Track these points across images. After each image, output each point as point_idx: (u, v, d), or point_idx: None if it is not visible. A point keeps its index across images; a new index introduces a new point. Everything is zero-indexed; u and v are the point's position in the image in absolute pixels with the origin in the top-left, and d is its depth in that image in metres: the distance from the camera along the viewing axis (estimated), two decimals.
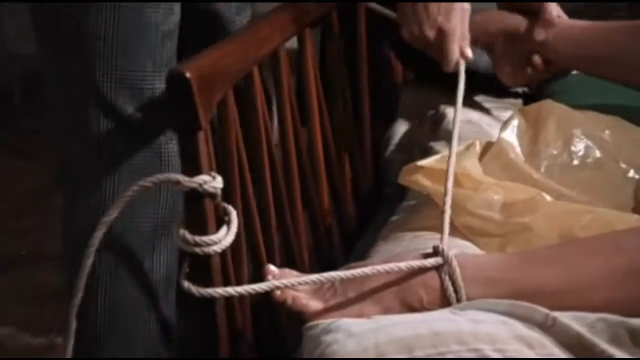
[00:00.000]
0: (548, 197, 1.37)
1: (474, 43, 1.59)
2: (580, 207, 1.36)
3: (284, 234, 1.43)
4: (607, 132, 1.52)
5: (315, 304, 1.15)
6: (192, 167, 1.06)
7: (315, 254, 1.58)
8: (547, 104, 1.56)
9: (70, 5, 1.27)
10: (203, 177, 1.06)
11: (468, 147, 1.53)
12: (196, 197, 1.07)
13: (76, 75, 1.30)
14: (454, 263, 1.16)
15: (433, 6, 1.49)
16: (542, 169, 1.49)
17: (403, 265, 1.17)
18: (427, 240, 1.36)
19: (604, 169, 1.49)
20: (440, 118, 1.75)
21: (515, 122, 1.55)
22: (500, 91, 1.82)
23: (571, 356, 1.04)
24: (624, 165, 1.49)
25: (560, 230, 1.32)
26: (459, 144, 1.50)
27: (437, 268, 1.16)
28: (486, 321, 1.07)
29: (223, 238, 1.09)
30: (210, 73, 1.11)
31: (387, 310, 1.15)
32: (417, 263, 1.17)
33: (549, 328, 1.06)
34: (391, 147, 1.85)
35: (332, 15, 1.67)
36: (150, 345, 1.31)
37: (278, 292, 1.14)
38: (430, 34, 1.52)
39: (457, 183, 1.40)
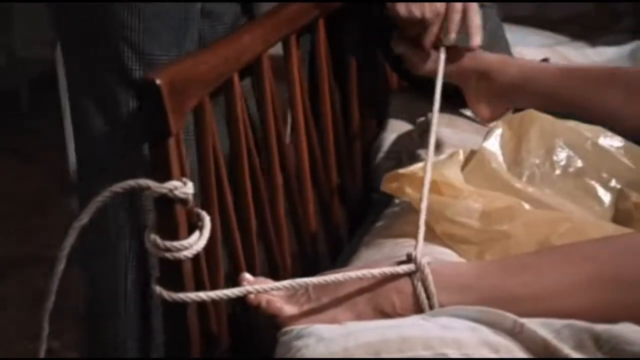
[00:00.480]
0: (527, 206, 1.38)
1: (447, 77, 1.61)
2: (558, 215, 1.37)
3: (265, 240, 1.43)
4: (589, 142, 1.52)
5: (289, 309, 1.16)
6: (162, 173, 1.06)
7: (300, 260, 1.58)
8: (530, 114, 1.56)
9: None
10: (173, 183, 1.06)
11: (451, 156, 1.53)
12: (167, 202, 1.07)
13: (103, 63, 1.36)
14: (427, 270, 1.17)
15: None
16: (524, 178, 1.50)
17: (375, 272, 1.18)
18: (407, 247, 1.35)
19: (585, 179, 1.49)
20: (428, 125, 1.75)
21: (498, 132, 1.55)
22: None
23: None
24: (605, 175, 1.49)
25: (538, 238, 1.32)
26: (443, 152, 1.52)
27: (410, 275, 1.17)
28: (455, 327, 1.08)
29: (194, 243, 1.10)
30: (183, 80, 1.11)
31: (360, 316, 1.16)
32: (389, 270, 1.18)
33: (517, 334, 1.07)
34: (381, 154, 1.85)
35: (319, 22, 1.67)
36: None
37: (252, 296, 1.14)
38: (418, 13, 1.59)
39: (437, 191, 1.41)
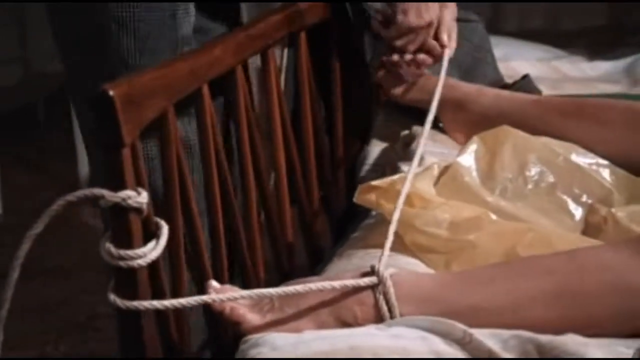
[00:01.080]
0: (494, 216, 1.39)
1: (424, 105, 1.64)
2: (523, 226, 1.37)
3: (236, 250, 1.44)
4: (561, 157, 1.53)
5: (252, 317, 1.16)
6: (116, 182, 1.07)
7: (276, 271, 1.59)
8: (504, 130, 1.57)
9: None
10: (127, 192, 1.07)
11: (426, 169, 1.54)
12: (120, 211, 1.08)
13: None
14: (389, 283, 1.17)
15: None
16: (497, 192, 1.51)
17: (336, 284, 1.18)
18: (375, 257, 1.35)
19: (557, 193, 1.50)
20: (410, 139, 1.76)
21: (473, 147, 1.56)
22: None
23: None
24: (576, 190, 1.50)
25: (504, 248, 1.33)
26: (423, 166, 1.53)
27: (372, 287, 1.17)
28: (406, 336, 1.08)
29: (149, 252, 1.10)
30: (142, 91, 1.12)
31: (322, 326, 1.16)
32: (351, 282, 1.18)
33: (466, 344, 1.07)
34: (366, 167, 1.85)
35: (300, 35, 1.68)
36: None
37: (217, 303, 1.15)
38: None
39: (408, 203, 1.42)
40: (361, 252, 1.45)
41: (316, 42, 1.80)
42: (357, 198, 1.47)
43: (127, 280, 1.10)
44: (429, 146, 1.73)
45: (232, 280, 1.48)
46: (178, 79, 1.25)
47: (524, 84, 1.87)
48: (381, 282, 1.16)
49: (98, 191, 1.07)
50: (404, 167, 1.69)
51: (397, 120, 1.85)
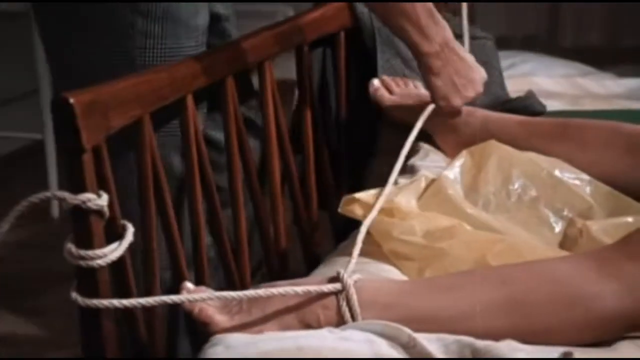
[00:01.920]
0: (467, 227, 1.40)
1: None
2: (494, 236, 1.40)
3: (221, 254, 1.48)
4: (545, 172, 1.54)
5: (220, 318, 1.20)
6: (76, 185, 1.11)
7: (268, 275, 1.62)
8: (491, 145, 1.59)
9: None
10: (86, 195, 1.11)
11: (413, 182, 1.57)
12: (81, 213, 1.12)
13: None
14: (351, 290, 1.20)
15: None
16: (480, 205, 1.53)
17: (299, 289, 1.21)
18: (355, 264, 1.40)
19: (539, 207, 1.52)
20: (412, 154, 1.78)
21: (461, 161, 1.59)
22: None
23: None
24: (558, 204, 1.51)
25: (474, 257, 1.35)
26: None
27: (336, 293, 1.19)
28: (353, 339, 1.11)
29: (109, 253, 1.14)
30: (108, 99, 1.16)
31: (286, 328, 1.19)
32: (314, 288, 1.21)
33: (410, 348, 1.10)
34: (372, 178, 1.88)
35: (304, 49, 1.72)
36: None
37: (187, 303, 1.19)
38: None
39: (389, 214, 1.45)
40: (343, 259, 1.47)
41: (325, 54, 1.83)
42: (342, 209, 1.50)
43: (88, 279, 1.14)
44: (427, 160, 1.75)
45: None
46: (155, 89, 1.29)
47: (524, 99, 1.89)
48: (344, 288, 1.19)
49: (60, 193, 1.11)
50: (401, 180, 1.71)
51: (403, 134, 1.86)
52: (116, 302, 1.14)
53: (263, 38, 1.59)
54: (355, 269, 1.39)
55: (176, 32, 1.49)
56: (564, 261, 1.23)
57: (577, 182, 1.53)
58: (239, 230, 1.51)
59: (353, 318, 1.19)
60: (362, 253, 1.44)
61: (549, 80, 2.34)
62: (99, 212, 1.13)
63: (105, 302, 1.14)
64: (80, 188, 1.11)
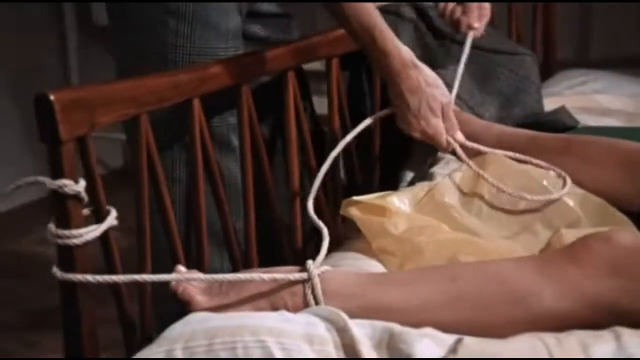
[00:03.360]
0: (445, 227, 1.46)
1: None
2: (468, 237, 1.46)
3: (228, 245, 1.58)
4: (538, 184, 1.57)
5: (200, 299, 1.31)
6: (55, 172, 1.23)
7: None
8: (491, 157, 1.65)
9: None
10: (63, 181, 1.23)
11: (414, 187, 1.64)
12: (60, 197, 1.24)
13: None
14: (316, 280, 1.29)
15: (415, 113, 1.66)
16: (473, 213, 1.57)
17: (266, 276, 1.31)
18: (348, 259, 1.50)
19: (528, 217, 1.56)
20: (434, 162, 1.84)
21: (463, 170, 1.63)
22: None
23: (342, 352, 1.16)
24: (548, 215, 1.55)
25: (447, 255, 1.44)
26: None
27: (303, 281, 1.28)
28: (295, 321, 1.21)
29: (85, 233, 1.26)
30: (95, 98, 1.29)
31: (258, 311, 1.28)
32: (281, 276, 1.30)
33: (342, 332, 1.18)
34: (403, 185, 1.94)
35: (332, 62, 1.80)
36: None
37: (174, 282, 1.30)
38: (418, 135, 1.70)
39: (381, 214, 1.51)
40: (340, 255, 1.56)
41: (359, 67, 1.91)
42: (342, 210, 1.58)
43: (66, 256, 1.26)
44: (447, 169, 1.80)
45: None
46: (154, 92, 1.40)
47: (555, 113, 1.92)
48: (310, 277, 1.28)
49: (41, 179, 1.24)
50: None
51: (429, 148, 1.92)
52: (90, 278, 1.26)
53: (286, 50, 1.68)
54: (343, 264, 1.50)
55: (205, 34, 1.61)
56: (511, 262, 1.29)
57: (568, 194, 1.56)
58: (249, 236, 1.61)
59: (317, 305, 1.27)
60: (357, 250, 1.55)
61: (612, 98, 2.35)
62: (75, 197, 1.25)
63: (79, 277, 1.26)
64: (58, 174, 1.23)
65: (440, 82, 1.68)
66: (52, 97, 1.22)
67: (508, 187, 1.57)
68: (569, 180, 1.58)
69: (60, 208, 1.25)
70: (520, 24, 2.57)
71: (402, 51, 1.63)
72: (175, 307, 1.28)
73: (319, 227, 1.41)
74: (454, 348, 1.12)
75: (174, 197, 1.60)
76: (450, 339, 1.15)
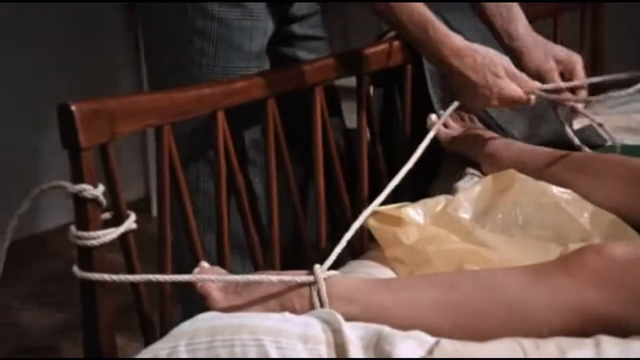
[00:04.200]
0: (454, 237, 1.50)
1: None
2: (473, 248, 1.52)
3: (252, 252, 1.65)
4: (553, 202, 1.63)
5: (217, 295, 1.38)
6: (76, 177, 1.31)
7: None
8: (509, 173, 1.69)
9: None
10: (82, 186, 1.31)
11: (433, 200, 1.68)
12: (80, 200, 1.31)
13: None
14: (322, 283, 1.35)
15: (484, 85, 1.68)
16: (487, 227, 1.61)
17: (274, 279, 1.36)
18: (363, 267, 1.57)
19: (541, 233, 1.60)
20: (461, 177, 1.87)
21: (482, 185, 1.69)
22: None
23: (333, 351, 1.20)
24: (561, 231, 1.60)
25: (454, 265, 1.49)
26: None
27: (309, 285, 1.33)
28: (294, 322, 1.26)
29: (103, 236, 1.33)
30: (116, 109, 1.36)
31: (268, 311, 1.35)
32: (288, 279, 1.36)
33: (336, 332, 1.23)
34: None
35: (363, 78, 1.86)
36: None
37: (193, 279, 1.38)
38: (496, 103, 1.71)
39: (396, 224, 1.56)
40: (357, 262, 1.62)
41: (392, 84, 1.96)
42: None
43: (85, 256, 1.33)
44: (470, 184, 1.84)
45: None
46: (177, 104, 1.47)
47: (582, 131, 1.95)
48: (316, 281, 1.33)
49: (63, 183, 1.31)
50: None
51: (458, 162, 1.96)
52: (107, 277, 1.33)
53: (313, 66, 1.74)
54: (358, 271, 1.55)
55: (228, 54, 1.69)
56: (507, 271, 1.33)
57: (579, 211, 1.59)
58: (272, 234, 1.67)
59: (322, 307, 1.32)
60: (373, 258, 1.61)
61: None
62: (94, 201, 1.32)
63: (97, 276, 1.33)
64: (78, 180, 1.31)
65: (490, 49, 1.71)
66: (73, 108, 1.30)
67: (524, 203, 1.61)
68: None
69: (80, 211, 1.33)
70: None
71: (453, 37, 1.67)
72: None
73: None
74: (431, 349, 1.15)
75: (199, 208, 1.67)
76: (433, 341, 1.19)
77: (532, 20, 2.33)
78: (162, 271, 1.48)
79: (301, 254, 1.78)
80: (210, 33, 1.69)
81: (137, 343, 1.53)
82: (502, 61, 1.70)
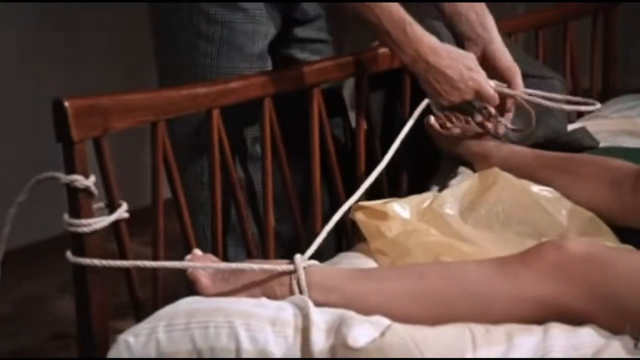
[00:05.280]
0: (435, 232, 1.55)
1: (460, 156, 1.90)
2: (450, 241, 1.56)
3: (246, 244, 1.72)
4: (533, 199, 1.68)
5: (205, 281, 1.45)
6: (68, 168, 1.38)
7: None
8: (494, 172, 1.73)
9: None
10: (74, 177, 1.38)
11: (419, 196, 1.72)
12: (72, 190, 1.39)
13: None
14: (301, 272, 1.42)
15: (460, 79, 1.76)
16: (471, 223, 1.67)
17: (256, 267, 1.43)
18: (350, 258, 1.65)
19: (521, 228, 1.65)
20: (455, 175, 1.92)
21: (468, 182, 1.73)
22: None
23: (299, 335, 1.28)
24: (539, 228, 1.65)
25: (431, 257, 1.55)
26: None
27: (290, 273, 1.40)
28: (268, 306, 1.35)
29: (94, 223, 1.40)
30: (110, 106, 1.44)
31: (251, 297, 1.42)
32: (269, 267, 1.43)
33: (306, 317, 1.30)
34: None
35: (363, 80, 1.91)
36: None
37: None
38: (470, 96, 1.80)
39: (382, 218, 1.62)
40: (346, 254, 1.71)
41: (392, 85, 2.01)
42: (351, 214, 1.68)
43: (77, 243, 1.41)
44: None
45: None
46: (172, 102, 1.54)
47: (575, 133, 1.99)
48: (296, 270, 1.40)
49: (57, 174, 1.39)
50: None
51: (456, 158, 2.00)
52: (97, 262, 1.40)
53: (310, 68, 1.80)
54: (344, 262, 1.62)
55: (230, 56, 1.76)
56: (474, 263, 1.40)
57: (558, 209, 1.64)
58: (267, 226, 1.73)
59: (302, 294, 1.39)
60: (360, 250, 1.68)
61: None
62: (86, 190, 1.39)
63: (87, 261, 1.40)
64: (70, 170, 1.38)
65: (458, 48, 1.80)
66: (66, 104, 1.37)
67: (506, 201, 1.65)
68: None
69: (73, 200, 1.40)
70: (577, 53, 2.60)
71: (428, 36, 1.75)
72: None
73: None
74: (383, 332, 1.21)
75: (203, 200, 1.74)
76: (381, 323, 1.25)
77: (538, 27, 2.39)
78: (155, 258, 1.56)
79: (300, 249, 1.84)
80: (214, 36, 1.76)
81: None
82: (472, 57, 1.80)
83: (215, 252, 1.66)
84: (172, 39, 1.80)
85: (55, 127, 1.39)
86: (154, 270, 1.55)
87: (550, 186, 1.72)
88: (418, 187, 2.01)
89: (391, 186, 2.03)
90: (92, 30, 3.60)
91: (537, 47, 2.49)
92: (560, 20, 2.56)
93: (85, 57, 3.56)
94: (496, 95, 1.82)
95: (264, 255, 1.77)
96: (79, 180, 1.39)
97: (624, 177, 1.66)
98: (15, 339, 2.85)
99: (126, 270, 1.50)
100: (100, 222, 1.42)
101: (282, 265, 1.43)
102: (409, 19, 1.72)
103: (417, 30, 1.73)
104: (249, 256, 1.75)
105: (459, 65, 1.75)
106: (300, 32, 1.94)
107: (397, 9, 1.72)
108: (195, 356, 1.28)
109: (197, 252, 1.52)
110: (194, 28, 1.76)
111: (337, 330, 1.25)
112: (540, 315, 1.29)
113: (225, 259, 1.71)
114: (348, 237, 1.92)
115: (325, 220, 1.62)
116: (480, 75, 1.79)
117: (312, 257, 1.45)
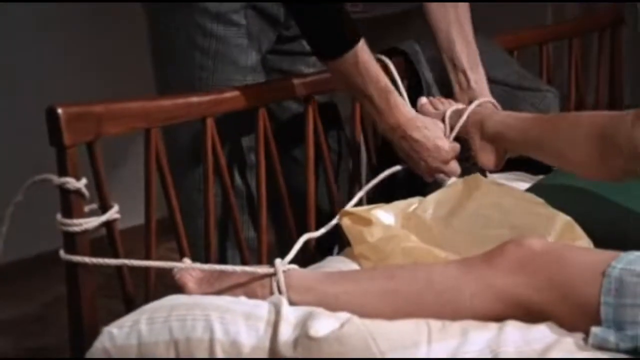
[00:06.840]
0: (414, 238, 1.59)
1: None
2: (426, 247, 1.61)
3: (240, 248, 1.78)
4: (513, 203, 1.71)
5: (192, 285, 1.52)
6: (61, 171, 1.45)
7: None
8: (476, 178, 1.76)
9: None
10: (66, 179, 1.46)
11: (404, 202, 1.77)
12: (65, 192, 1.46)
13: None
14: (280, 274, 1.49)
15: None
16: (454, 226, 1.71)
17: (238, 269, 1.52)
18: (334, 262, 1.70)
19: (502, 232, 1.66)
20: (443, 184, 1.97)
21: (451, 187, 1.77)
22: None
23: (270, 327, 1.34)
24: (520, 231, 1.64)
25: (408, 261, 1.61)
26: None
27: (270, 275, 1.46)
28: (245, 303, 1.42)
29: (85, 223, 1.47)
30: (100, 112, 1.51)
31: (233, 297, 1.47)
32: (251, 270, 1.50)
33: (279, 313, 1.37)
34: None
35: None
36: None
37: (175, 270, 1.54)
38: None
39: (365, 223, 1.67)
40: (332, 258, 1.77)
41: None
42: (338, 220, 1.73)
43: (69, 241, 1.48)
44: None
45: None
46: (165, 110, 1.61)
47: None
48: (276, 272, 1.45)
49: (50, 176, 1.46)
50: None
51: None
52: (87, 260, 1.48)
53: (303, 80, 1.87)
54: (329, 265, 1.67)
55: (224, 68, 1.83)
56: (441, 265, 1.44)
57: (537, 213, 1.67)
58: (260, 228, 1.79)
59: (282, 294, 1.44)
60: (346, 255, 1.72)
61: None
62: (77, 192, 1.47)
63: (78, 258, 1.47)
64: (62, 173, 1.45)
65: (428, 118, 1.87)
66: (59, 110, 1.45)
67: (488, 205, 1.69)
68: None
69: (65, 201, 1.47)
70: (580, 69, 2.62)
71: (407, 107, 1.85)
72: None
73: None
74: (342, 324, 1.26)
75: (201, 207, 1.80)
76: (342, 317, 1.30)
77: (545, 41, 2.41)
78: (147, 257, 1.62)
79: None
80: (209, 49, 1.83)
81: None
82: (441, 125, 1.89)
83: (208, 257, 1.72)
84: (169, 52, 1.86)
85: (48, 132, 1.47)
86: (146, 269, 1.61)
87: (546, 148, 1.74)
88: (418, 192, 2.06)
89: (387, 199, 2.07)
90: (93, 35, 3.55)
91: (570, 56, 2.52)
92: (568, 36, 2.57)
93: (85, 62, 3.51)
94: (458, 170, 1.90)
95: (258, 260, 1.82)
96: (71, 182, 1.47)
97: (623, 114, 1.62)
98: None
99: (118, 269, 1.57)
100: (90, 222, 1.50)
101: (263, 269, 1.49)
102: (392, 87, 1.81)
103: (398, 99, 1.82)
104: (243, 260, 1.80)
105: (433, 134, 1.84)
106: (295, 46, 2.00)
107: (383, 76, 1.81)
108: (172, 346, 1.35)
109: (186, 259, 1.59)
110: (191, 42, 1.83)
111: (303, 323, 1.31)
112: (502, 309, 1.33)
113: (223, 263, 1.77)
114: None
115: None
116: (447, 143, 1.88)
117: None
